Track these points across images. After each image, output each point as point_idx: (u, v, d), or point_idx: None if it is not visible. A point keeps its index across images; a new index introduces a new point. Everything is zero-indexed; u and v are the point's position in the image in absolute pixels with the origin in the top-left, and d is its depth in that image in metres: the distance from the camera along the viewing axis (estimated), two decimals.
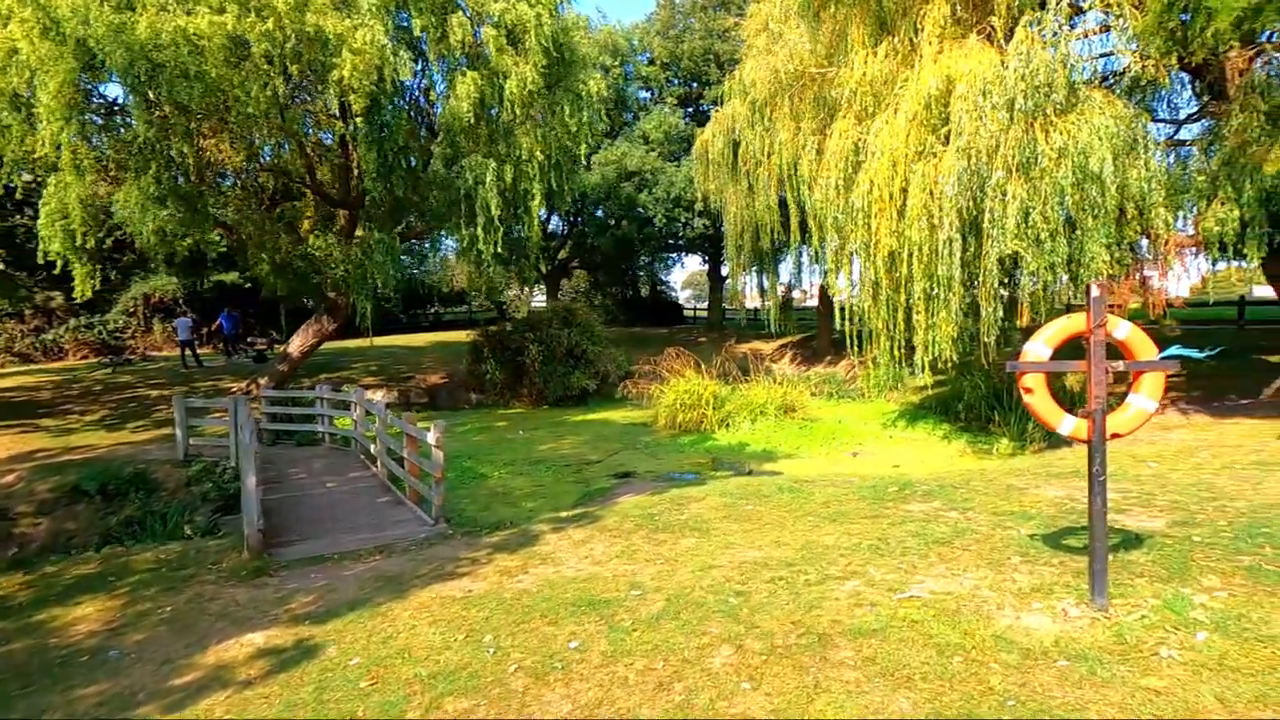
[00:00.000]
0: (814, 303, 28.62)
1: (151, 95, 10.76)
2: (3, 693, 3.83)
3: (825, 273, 23.61)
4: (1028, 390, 3.52)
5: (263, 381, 16.28)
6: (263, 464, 10.58)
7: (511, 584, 5.02)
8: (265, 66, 11.07)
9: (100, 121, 11.01)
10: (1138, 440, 11.03)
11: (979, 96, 9.24)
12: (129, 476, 9.86)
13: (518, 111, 14.73)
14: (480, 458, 12.40)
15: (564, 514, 7.43)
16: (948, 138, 10.40)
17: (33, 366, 23.51)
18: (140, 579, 5.66)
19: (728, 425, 14.89)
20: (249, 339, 23.35)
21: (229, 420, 11.01)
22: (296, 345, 16.74)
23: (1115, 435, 3.48)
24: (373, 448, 9.82)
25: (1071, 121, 8.82)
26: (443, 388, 19.95)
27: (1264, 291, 26.54)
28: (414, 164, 14.34)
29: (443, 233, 16.46)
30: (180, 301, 26.97)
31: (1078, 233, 9.24)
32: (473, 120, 14.68)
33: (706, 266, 34.16)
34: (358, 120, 12.26)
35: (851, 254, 12.60)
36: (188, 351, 20.84)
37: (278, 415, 13.02)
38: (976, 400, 14.43)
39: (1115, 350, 3.56)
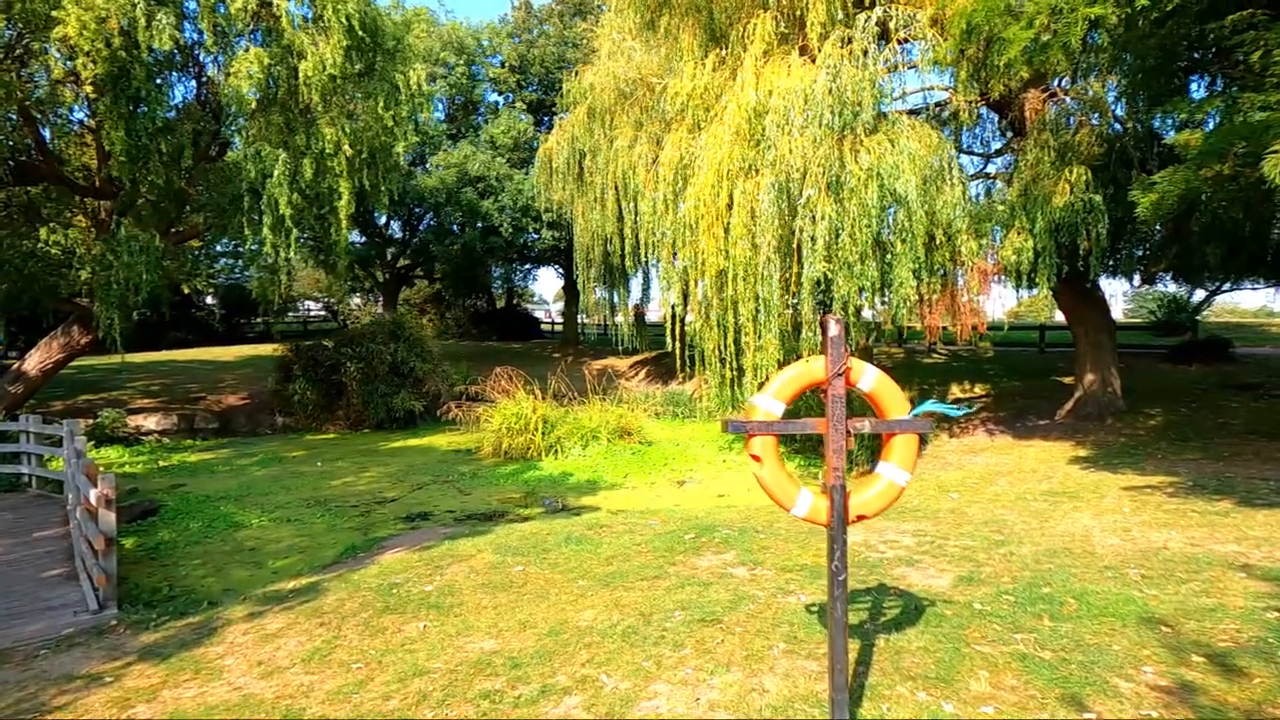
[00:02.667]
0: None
1: None
2: None
3: (663, 291, 23.33)
4: (756, 459, 2.66)
5: None
6: None
7: None
8: None
9: None
10: (947, 465, 11.16)
11: (791, 111, 8.84)
12: None
13: (318, 98, 12.88)
14: (250, 499, 10.43)
15: (291, 584, 5.92)
16: (766, 155, 10.01)
17: None
18: None
19: (557, 452, 13.79)
20: None
21: None
22: (35, 362, 13.69)
23: (861, 517, 2.68)
24: (70, 498, 7.71)
25: (879, 142, 8.60)
26: (241, 410, 17.31)
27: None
28: (186, 150, 12.06)
29: (224, 234, 14.13)
30: None
31: (888, 257, 9.07)
32: (261, 104, 12.67)
33: (562, 280, 33.13)
34: (88, 89, 9.97)
35: (684, 272, 11.98)
36: None
37: None
38: None
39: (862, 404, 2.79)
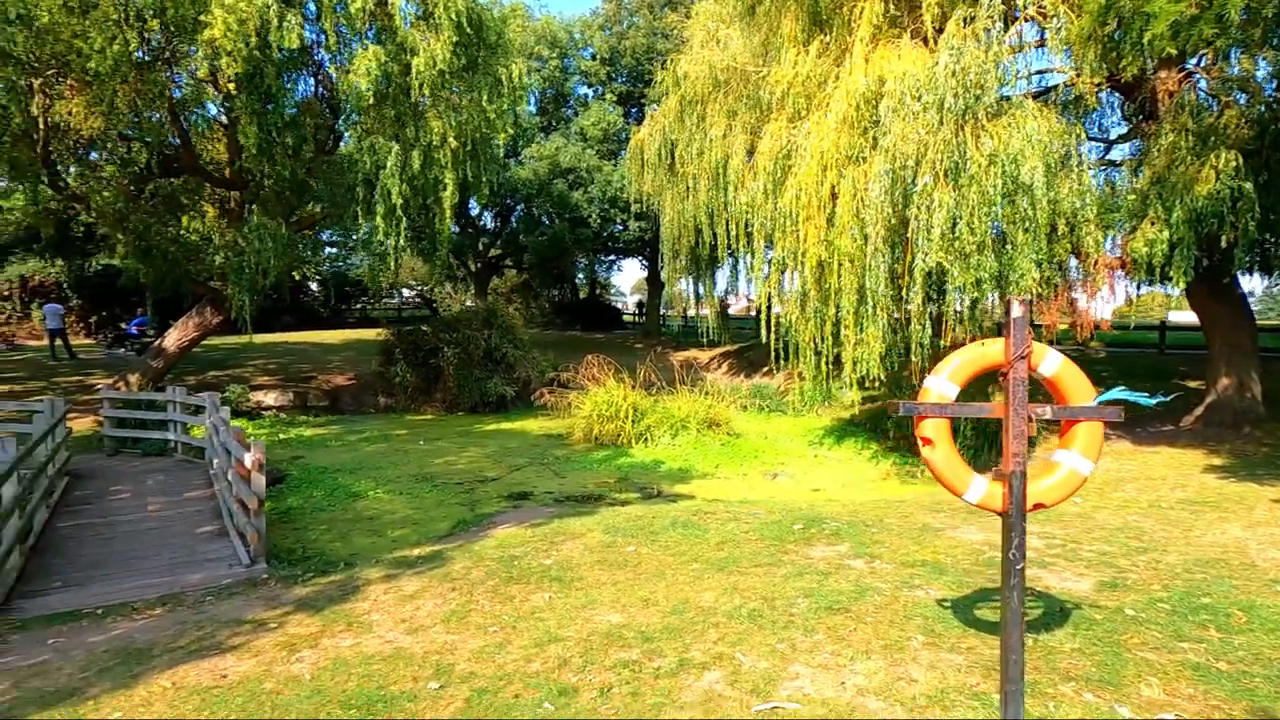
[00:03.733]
0: (755, 311, 28.14)
1: None
2: None
3: (753, 282, 23.03)
4: (926, 441, 2.61)
5: (133, 379, 14.45)
6: (84, 480, 9.05)
7: (285, 666, 3.84)
8: (115, 16, 9.52)
9: None
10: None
11: (907, 96, 8.53)
12: None
13: (428, 93, 13.44)
14: (364, 472, 11.05)
15: (416, 552, 6.26)
16: (875, 143, 9.72)
17: None
18: None
19: (646, 440, 13.92)
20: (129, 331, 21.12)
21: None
22: (173, 339, 14.96)
23: (1039, 505, 2.59)
24: (215, 463, 8.41)
25: (1003, 126, 8.19)
26: (348, 390, 18.34)
27: (1180, 317, 27.28)
28: (306, 143, 12.86)
29: (340, 224, 14.94)
30: (62, 286, 24.45)
31: (1007, 248, 8.63)
32: (375, 99, 13.33)
33: (645, 271, 33.30)
34: (230, 87, 10.77)
35: (782, 262, 11.80)
36: (58, 341, 18.63)
37: (126, 420, 11.34)
38: (907, 419, 13.87)
39: (1041, 387, 2.69)
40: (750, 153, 14.03)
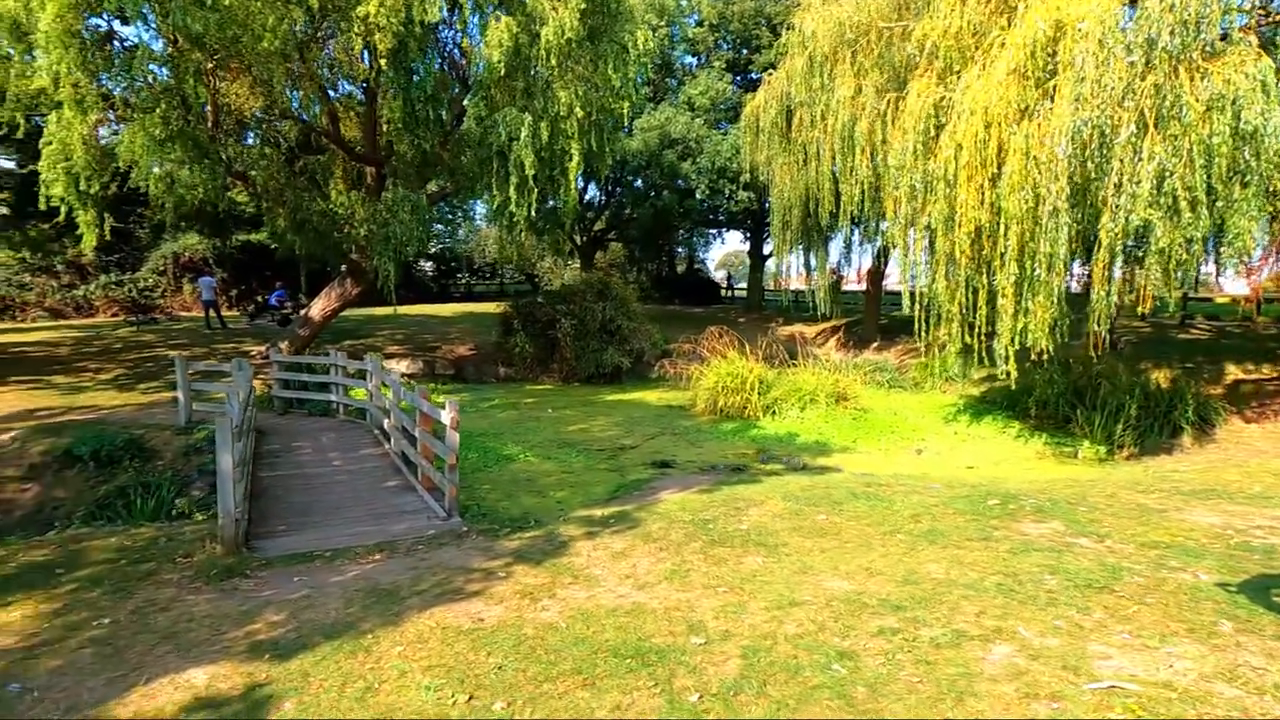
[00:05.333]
0: (858, 286, 27.20)
1: (160, 25, 9.75)
2: None
3: (878, 252, 22.00)
4: None
5: (283, 346, 15.46)
6: (267, 435, 9.76)
7: (534, 613, 3.91)
8: None
9: (103, 54, 10.06)
10: (1261, 453, 9.56)
11: (1107, 36, 7.71)
12: (123, 443, 9.02)
13: (555, 63, 13.43)
14: (506, 437, 11.37)
15: (598, 512, 6.31)
16: (1054, 94, 8.91)
17: (61, 322, 23.21)
18: (90, 575, 4.70)
19: (774, 412, 13.64)
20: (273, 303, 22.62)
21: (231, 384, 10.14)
22: (318, 309, 15.86)
23: None
24: (386, 423, 8.82)
25: (1226, 66, 7.26)
26: (470, 360, 18.99)
27: None
28: (444, 117, 13.17)
29: (473, 195, 15.26)
30: (209, 261, 26.47)
31: (1218, 204, 7.73)
32: (506, 71, 13.45)
33: (747, 245, 32.64)
34: (382, 63, 11.11)
35: (928, 228, 11.14)
36: (211, 312, 20.21)
37: (290, 383, 12.12)
38: (1052, 396, 12.96)
39: None
40: (887, 113, 13.30)
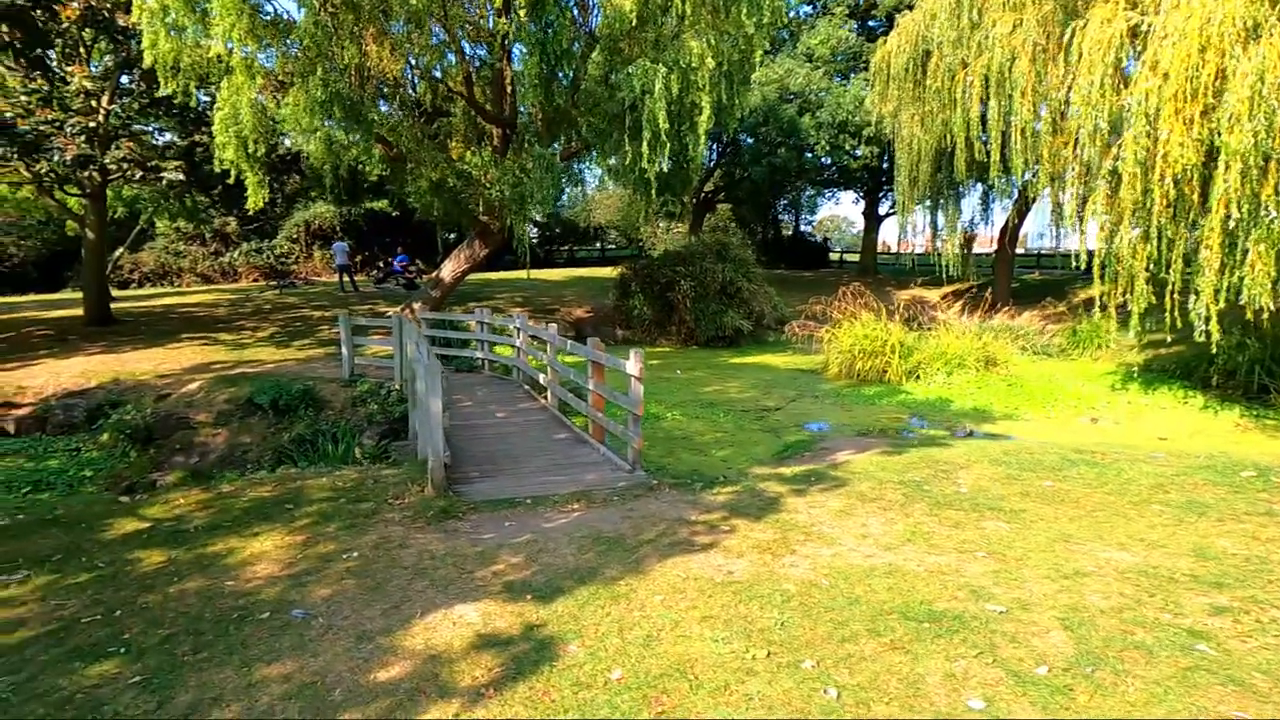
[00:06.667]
0: (986, 249, 25.45)
1: None
2: (171, 653, 2.97)
3: (1016, 209, 20.28)
4: None
5: (417, 306, 15.99)
6: None
7: (783, 568, 3.66)
8: None
9: (269, 18, 10.41)
10: None
11: None
12: (298, 393, 9.53)
13: (688, 10, 12.87)
14: (645, 397, 11.24)
15: (782, 470, 6.02)
16: None
17: (212, 287, 25.15)
18: (319, 510, 4.86)
19: (917, 377, 12.86)
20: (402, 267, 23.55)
21: (392, 340, 10.49)
22: (449, 270, 16.25)
23: None
24: (541, 378, 8.85)
25: None
26: (588, 322, 19.06)
27: None
28: (575, 73, 12.95)
29: (602, 153, 15.02)
30: (336, 229, 27.85)
31: None
32: (636, 21, 13.02)
33: (860, 204, 31.08)
34: (521, 13, 10.96)
35: (1114, 173, 9.98)
36: (344, 276, 21.25)
37: (434, 340, 12.48)
38: (1241, 364, 11.50)
39: None
40: (1052, 47, 12.03)
